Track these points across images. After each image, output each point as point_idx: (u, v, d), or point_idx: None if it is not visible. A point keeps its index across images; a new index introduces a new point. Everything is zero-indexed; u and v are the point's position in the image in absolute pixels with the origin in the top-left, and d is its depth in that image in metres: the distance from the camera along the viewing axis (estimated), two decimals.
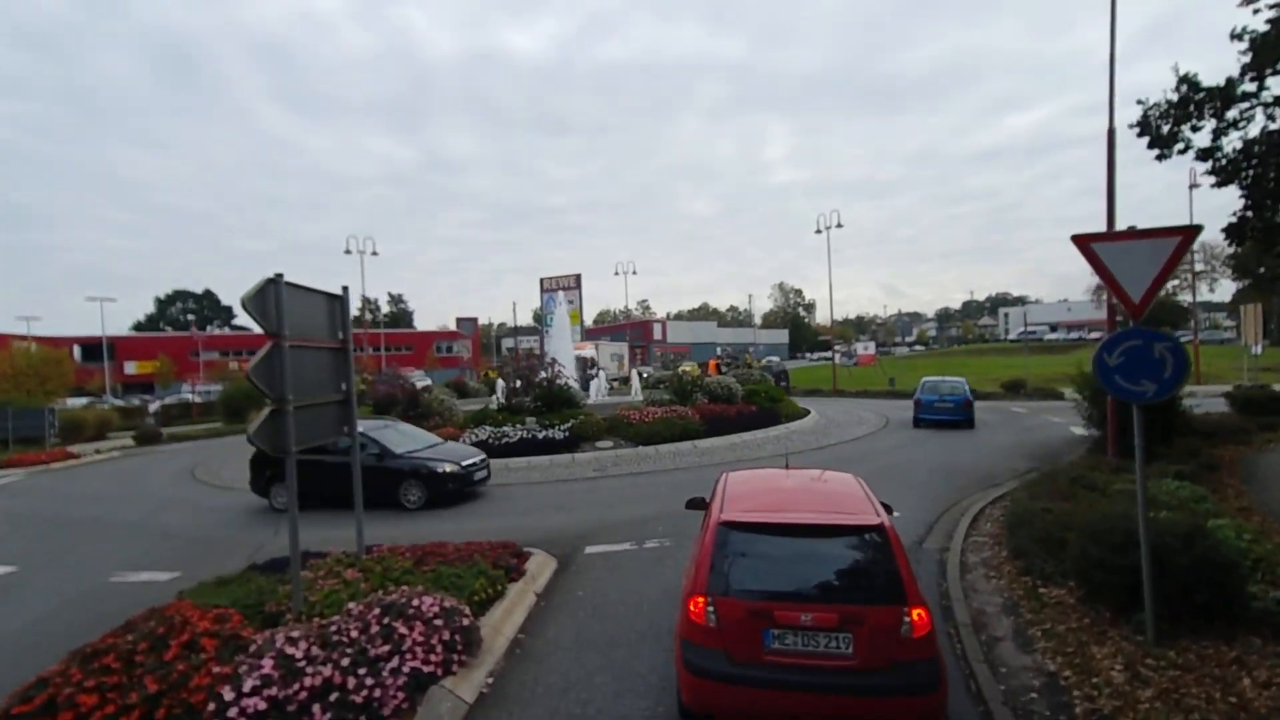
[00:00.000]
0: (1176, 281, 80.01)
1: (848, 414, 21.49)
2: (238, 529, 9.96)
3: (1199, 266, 79.00)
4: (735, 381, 19.00)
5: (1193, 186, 26.74)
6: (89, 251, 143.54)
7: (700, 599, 3.64)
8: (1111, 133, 10.50)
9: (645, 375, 30.98)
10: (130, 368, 72.89)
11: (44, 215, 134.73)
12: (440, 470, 10.47)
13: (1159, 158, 10.98)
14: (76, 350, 77.77)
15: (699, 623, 3.62)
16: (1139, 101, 11.15)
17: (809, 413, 20.12)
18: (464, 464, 10.83)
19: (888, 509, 4.21)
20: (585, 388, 22.25)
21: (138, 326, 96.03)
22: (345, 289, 6.02)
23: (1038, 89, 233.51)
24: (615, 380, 29.36)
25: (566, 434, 14.98)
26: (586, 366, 26.61)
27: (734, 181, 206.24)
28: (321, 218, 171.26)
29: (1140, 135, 11.14)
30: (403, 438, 11.50)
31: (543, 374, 16.94)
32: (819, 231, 33.40)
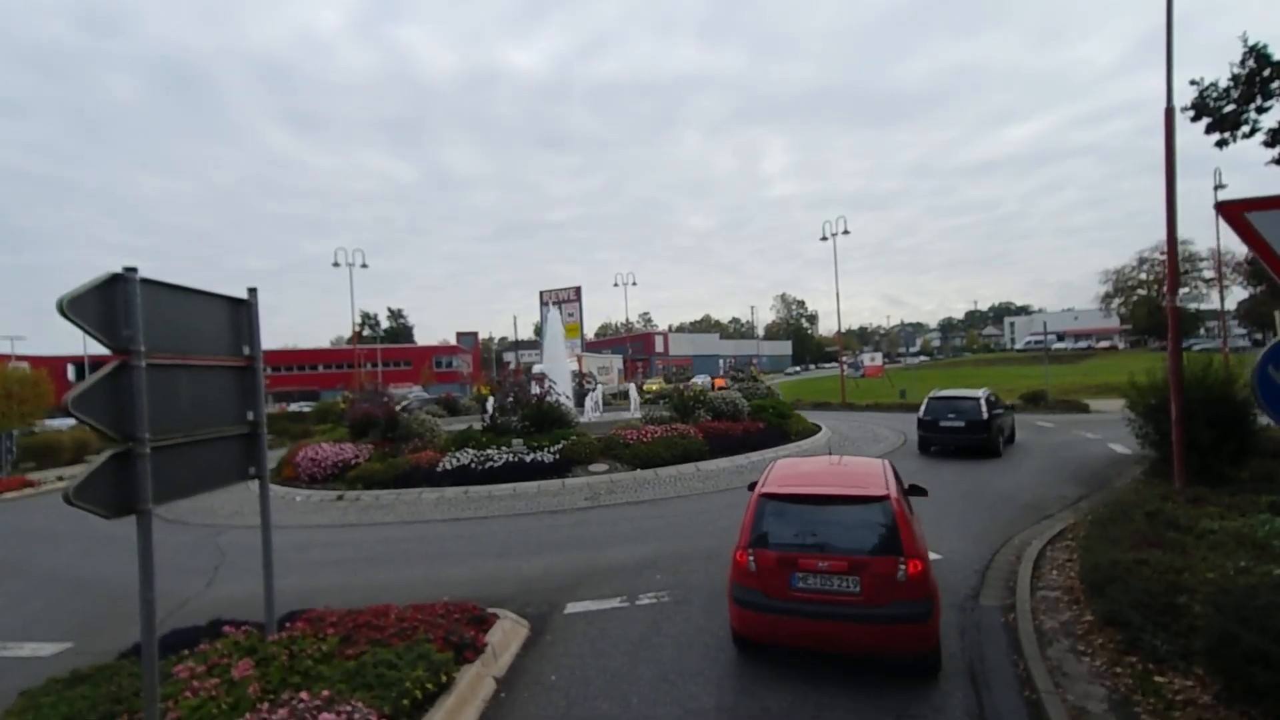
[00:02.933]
0: (1186, 289, 79.13)
1: (861, 429, 20.11)
2: (169, 576, 8.60)
3: (1209, 274, 77.96)
4: (741, 396, 17.66)
5: (1219, 188, 25.40)
6: (91, 271, 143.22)
7: (744, 552, 4.82)
8: (1170, 112, 9.24)
9: (651, 388, 29.68)
10: None
11: (46, 234, 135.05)
12: None
13: (1219, 144, 9.72)
14: (70, 369, 76.84)
15: (743, 568, 4.79)
16: (1193, 82, 9.92)
17: (819, 429, 18.75)
18: None
19: (920, 491, 6.31)
20: (581, 403, 20.95)
21: None
22: (253, 291, 4.74)
23: (1035, 101, 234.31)
24: (614, 394, 28.05)
25: (557, 457, 13.64)
26: (584, 381, 25.31)
27: (733, 195, 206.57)
28: (324, 235, 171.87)
29: (1196, 119, 9.90)
30: None
31: (534, 391, 15.63)
32: (824, 239, 32.28)
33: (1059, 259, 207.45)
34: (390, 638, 4.78)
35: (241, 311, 4.65)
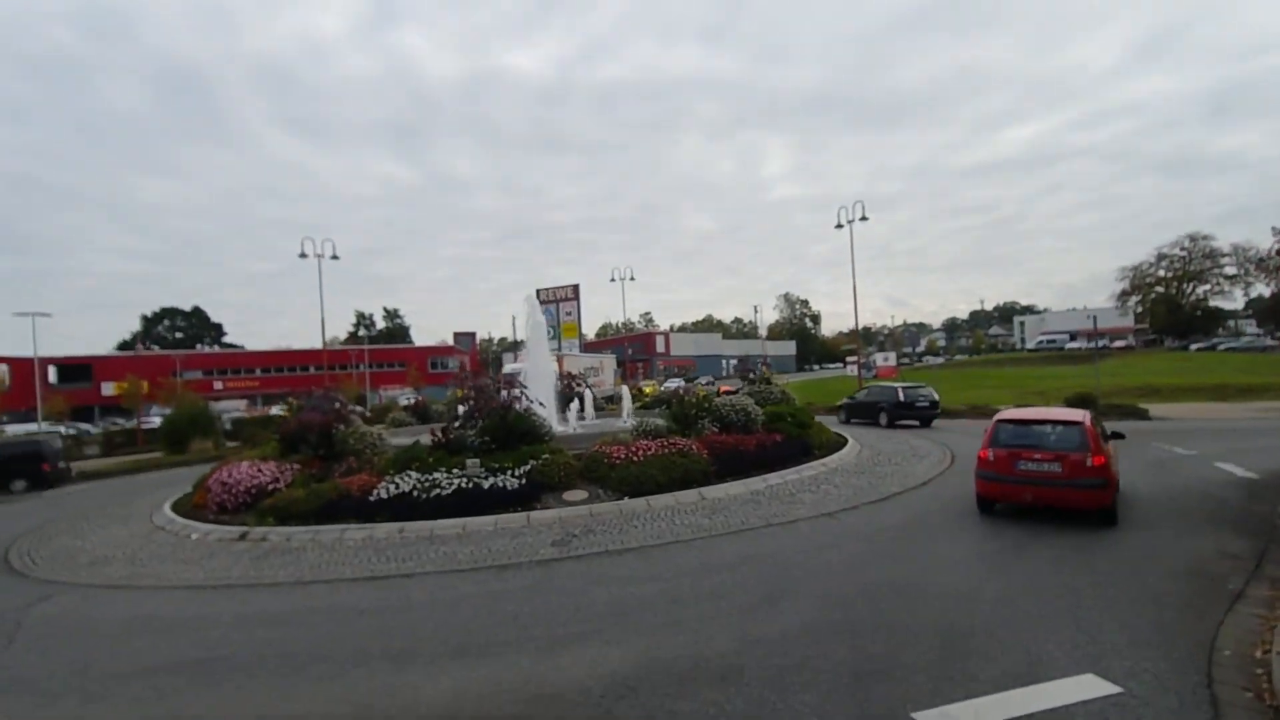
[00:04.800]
0: (1208, 286, 75.92)
1: (892, 442, 17.16)
2: None
3: (1230, 270, 74.71)
4: (752, 402, 14.74)
5: None
6: (96, 276, 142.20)
7: (987, 450, 8.83)
8: None
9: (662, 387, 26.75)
10: (109, 389, 69.00)
11: (53, 240, 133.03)
12: None
13: None
14: (52, 372, 74.04)
15: (985, 459, 8.81)
16: None
17: (845, 441, 15.82)
18: None
19: (1120, 435, 10.27)
20: (568, 409, 18.02)
21: (122, 345, 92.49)
22: None
23: (1034, 104, 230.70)
24: (607, 399, 25.12)
25: (522, 482, 10.75)
26: (573, 384, 22.38)
27: (735, 198, 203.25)
28: (327, 239, 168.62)
29: None
30: None
31: (503, 396, 12.72)
32: (839, 226, 29.41)
33: (1060, 260, 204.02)
34: None
35: None
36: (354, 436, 12.50)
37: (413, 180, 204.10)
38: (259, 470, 11.88)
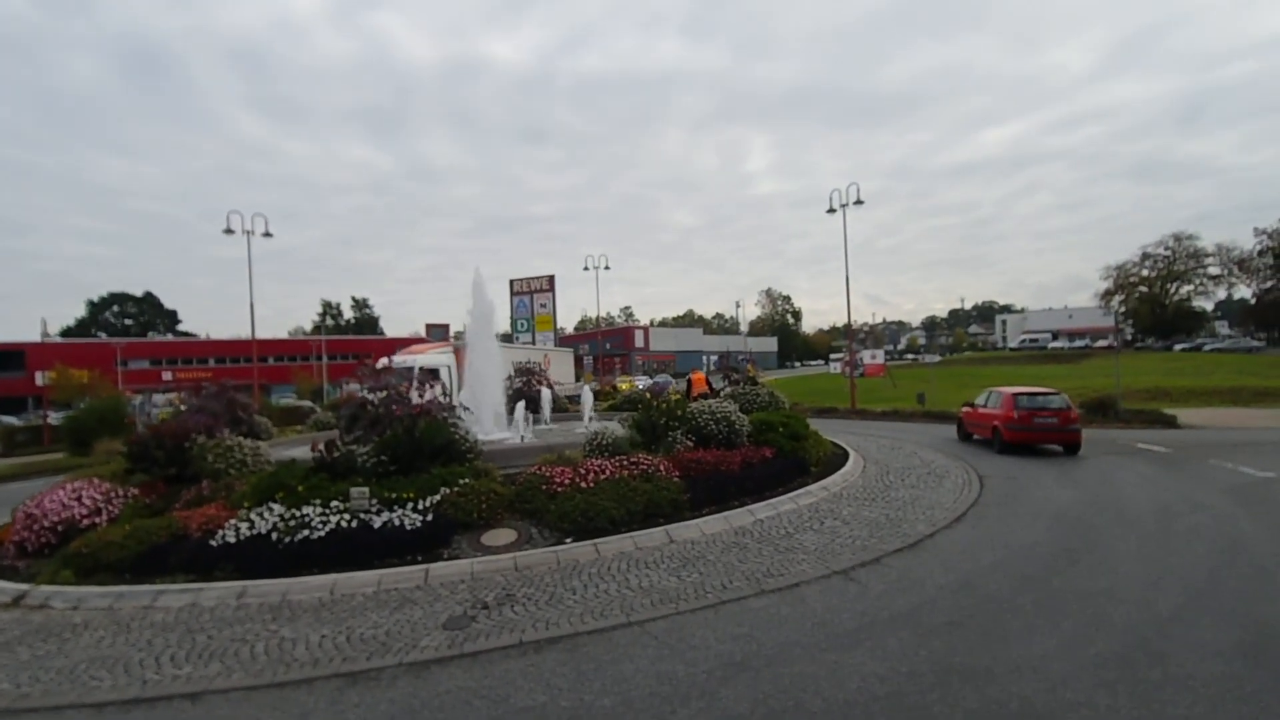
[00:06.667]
0: (1191, 286, 75.35)
1: (898, 452, 14.60)
2: None
3: (1213, 270, 74.14)
4: (736, 409, 12.04)
5: None
6: (59, 260, 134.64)
7: (1011, 411, 14.24)
8: None
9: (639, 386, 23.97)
10: (44, 379, 64.15)
11: (6, 220, 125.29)
12: None
13: None
14: None
15: (1011, 417, 14.18)
16: None
17: (848, 456, 13.22)
18: None
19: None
20: (515, 413, 15.11)
21: (66, 332, 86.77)
22: None
23: (1012, 105, 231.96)
24: (570, 399, 22.27)
25: (428, 519, 7.92)
26: (533, 381, 19.47)
27: (716, 193, 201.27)
28: (300, 226, 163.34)
29: None
30: None
31: (415, 400, 9.80)
32: (831, 210, 26.86)
33: (1034, 261, 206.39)
34: None
35: None
36: (214, 451, 9.47)
37: (389, 168, 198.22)
38: (78, 498, 8.83)
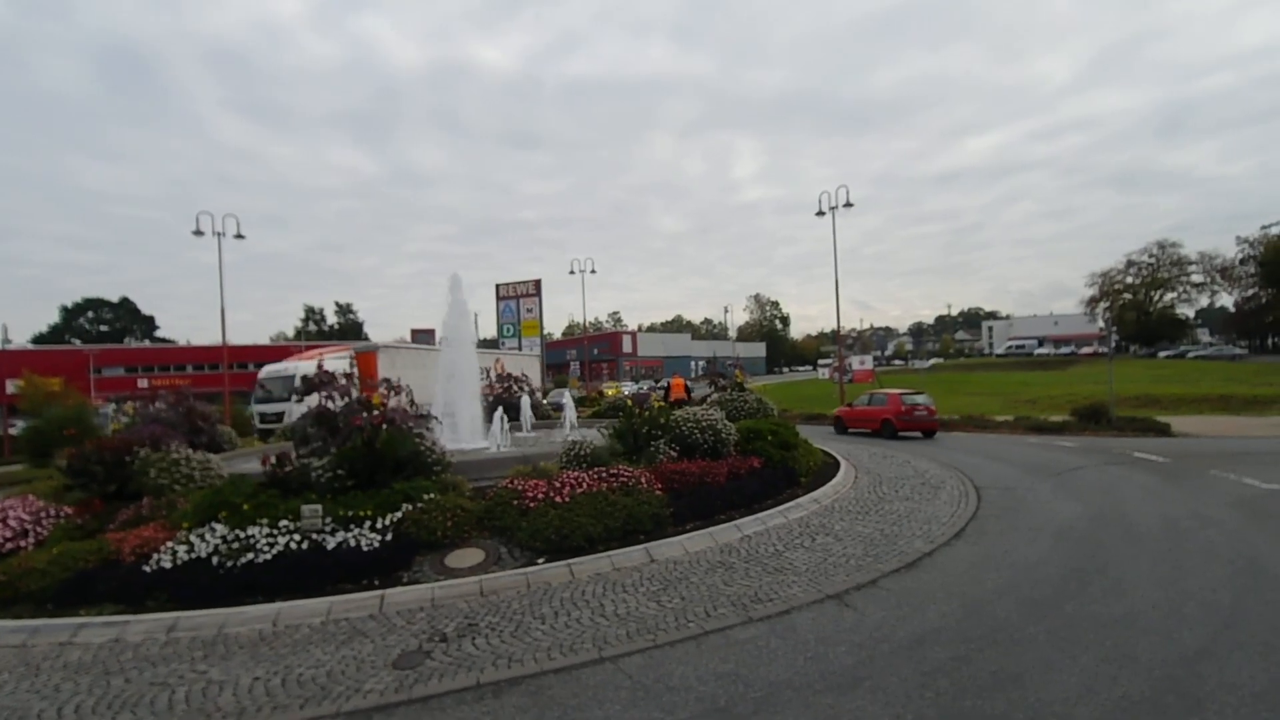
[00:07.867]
0: (1175, 294, 76.11)
1: (890, 463, 14.12)
2: None
3: (1196, 278, 74.93)
4: (723, 418, 11.48)
5: None
6: (36, 265, 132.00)
7: (899, 406, 20.02)
8: None
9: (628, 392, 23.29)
10: (12, 387, 62.30)
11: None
12: None
13: None
14: None
15: (899, 410, 19.95)
16: None
17: (839, 466, 12.71)
18: None
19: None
20: (517, 418, 14.45)
21: (38, 339, 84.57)
22: None
23: (996, 114, 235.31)
24: (554, 407, 21.60)
25: (386, 539, 7.27)
26: (513, 386, 18.79)
27: (704, 199, 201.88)
28: (285, 231, 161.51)
29: None
30: None
31: (377, 408, 9.12)
32: (820, 213, 26.54)
33: (1017, 269, 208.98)
34: None
35: None
36: (158, 465, 8.73)
37: (376, 172, 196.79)
38: (3, 518, 8.06)
